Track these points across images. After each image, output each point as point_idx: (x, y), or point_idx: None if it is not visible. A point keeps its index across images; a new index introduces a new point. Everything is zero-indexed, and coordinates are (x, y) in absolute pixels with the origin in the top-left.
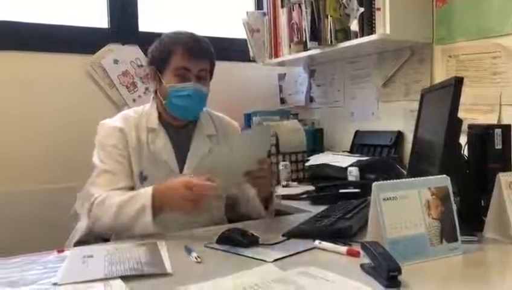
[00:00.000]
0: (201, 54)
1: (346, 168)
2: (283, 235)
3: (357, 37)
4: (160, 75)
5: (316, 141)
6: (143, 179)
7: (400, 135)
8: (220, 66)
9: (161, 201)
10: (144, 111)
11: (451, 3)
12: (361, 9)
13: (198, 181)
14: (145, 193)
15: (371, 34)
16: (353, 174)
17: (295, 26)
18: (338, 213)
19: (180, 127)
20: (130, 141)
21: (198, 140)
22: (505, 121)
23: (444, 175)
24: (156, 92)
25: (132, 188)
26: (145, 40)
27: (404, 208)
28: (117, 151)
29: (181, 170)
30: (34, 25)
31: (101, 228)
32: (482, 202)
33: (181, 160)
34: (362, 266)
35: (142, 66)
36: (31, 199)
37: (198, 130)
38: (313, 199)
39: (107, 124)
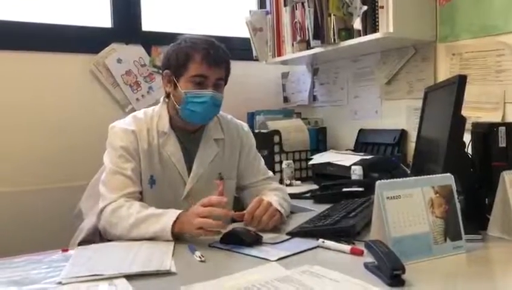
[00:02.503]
0: (219, 62)
1: (349, 166)
2: (286, 234)
3: (360, 36)
4: (176, 80)
5: (319, 139)
6: (152, 182)
7: (403, 133)
8: None
9: (180, 227)
10: (154, 113)
11: (455, 1)
12: (365, 8)
13: (206, 209)
14: (169, 216)
15: (374, 32)
16: (356, 172)
17: (298, 25)
18: (341, 212)
19: (190, 132)
20: (141, 144)
21: (205, 145)
22: (509, 119)
23: (448, 173)
24: (168, 96)
25: (141, 193)
26: (148, 40)
27: (407, 206)
28: (128, 154)
29: (189, 174)
30: (37, 25)
31: (111, 235)
32: (486, 200)
33: (189, 165)
34: (366, 264)
35: (145, 65)
36: (35, 199)
37: (205, 135)
38: (316, 197)
39: (118, 126)
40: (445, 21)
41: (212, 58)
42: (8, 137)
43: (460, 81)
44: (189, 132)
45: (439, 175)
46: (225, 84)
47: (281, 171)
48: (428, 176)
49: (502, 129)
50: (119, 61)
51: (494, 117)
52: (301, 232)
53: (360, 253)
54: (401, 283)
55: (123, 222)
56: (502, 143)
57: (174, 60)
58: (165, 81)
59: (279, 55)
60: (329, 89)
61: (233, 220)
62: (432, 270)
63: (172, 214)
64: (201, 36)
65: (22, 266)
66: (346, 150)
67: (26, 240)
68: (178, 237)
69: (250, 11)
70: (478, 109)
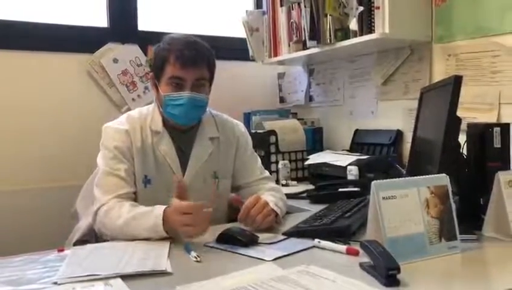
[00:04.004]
0: (196, 62)
1: (345, 167)
2: (282, 234)
3: (356, 36)
4: (157, 82)
5: (316, 139)
6: (147, 182)
7: (399, 134)
8: (219, 66)
9: (167, 223)
10: (148, 112)
11: (451, 1)
12: (361, 8)
13: (191, 206)
14: (156, 212)
15: (370, 33)
16: (352, 173)
17: (294, 25)
18: (337, 212)
19: (183, 131)
20: (135, 143)
21: (200, 143)
22: (504, 119)
23: (443, 174)
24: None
25: (135, 193)
26: (144, 39)
27: (403, 206)
28: (121, 154)
29: (184, 173)
30: (33, 24)
31: (106, 236)
32: (481, 200)
33: (184, 163)
34: (361, 264)
35: (141, 65)
36: (30, 198)
37: (200, 133)
38: (313, 198)
39: (111, 126)
40: (441, 22)
41: (186, 58)
42: (3, 136)
43: (456, 82)
44: (182, 131)
45: (435, 175)
46: (210, 83)
47: (277, 171)
48: (423, 177)
49: (497, 130)
50: (115, 61)
51: (489, 118)
52: (297, 232)
53: (356, 253)
54: (397, 282)
55: (115, 223)
56: (497, 144)
57: (153, 62)
58: (151, 83)
59: (276, 55)
60: (325, 89)
61: (230, 220)
62: (427, 270)
63: (158, 209)
64: (182, 35)
65: (18, 265)
66: (342, 150)
67: (22, 239)
68: (173, 235)
69: (246, 11)
70: (473, 110)
